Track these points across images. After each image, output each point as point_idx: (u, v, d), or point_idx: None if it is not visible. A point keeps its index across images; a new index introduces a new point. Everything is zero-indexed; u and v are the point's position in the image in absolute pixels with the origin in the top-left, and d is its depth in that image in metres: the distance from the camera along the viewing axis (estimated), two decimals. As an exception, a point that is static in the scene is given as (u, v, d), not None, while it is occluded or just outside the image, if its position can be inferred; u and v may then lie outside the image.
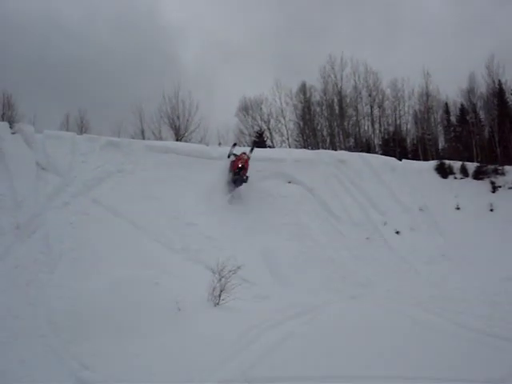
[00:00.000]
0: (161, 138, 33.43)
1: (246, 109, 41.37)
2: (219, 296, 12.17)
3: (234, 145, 22.13)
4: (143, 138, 32.34)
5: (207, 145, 24.22)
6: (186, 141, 31.64)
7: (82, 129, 35.10)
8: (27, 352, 8.70)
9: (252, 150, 20.68)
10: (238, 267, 13.17)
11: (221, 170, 19.86)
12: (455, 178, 25.66)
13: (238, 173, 19.12)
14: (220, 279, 12.36)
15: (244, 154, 19.97)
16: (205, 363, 8.08)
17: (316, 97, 41.30)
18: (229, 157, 20.33)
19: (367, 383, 6.73)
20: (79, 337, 9.51)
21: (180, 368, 7.97)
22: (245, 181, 19.15)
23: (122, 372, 7.94)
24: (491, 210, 23.13)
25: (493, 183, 25.44)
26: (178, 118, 35.88)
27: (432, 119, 39.60)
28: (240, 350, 8.81)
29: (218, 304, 12.10)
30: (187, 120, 35.89)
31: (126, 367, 8.20)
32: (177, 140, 32.05)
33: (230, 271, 12.72)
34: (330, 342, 8.93)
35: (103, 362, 8.45)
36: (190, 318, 10.87)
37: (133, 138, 25.53)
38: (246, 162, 19.42)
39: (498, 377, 6.76)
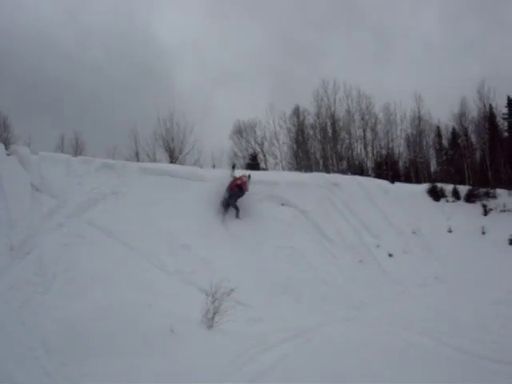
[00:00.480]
0: (155, 160, 33.46)
1: (240, 132, 41.64)
2: (213, 318, 12.14)
3: (234, 166, 22.21)
4: (138, 160, 32.37)
5: (201, 167, 24.37)
6: (180, 163, 31.69)
7: (77, 151, 35.16)
8: (20, 374, 8.66)
9: (249, 178, 20.73)
10: (232, 289, 13.18)
11: (214, 191, 19.93)
12: (447, 200, 25.89)
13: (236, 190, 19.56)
14: (213, 301, 12.35)
15: (244, 176, 20.30)
16: (199, 385, 8.07)
17: (309, 120, 41.67)
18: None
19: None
20: (72, 358, 9.48)
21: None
22: (240, 195, 19.52)
23: (115, 394, 7.93)
24: (483, 233, 23.30)
25: (484, 206, 25.67)
26: (173, 140, 35.98)
27: (424, 143, 39.94)
28: (233, 372, 8.82)
29: (211, 326, 12.06)
30: (182, 142, 36.00)
31: (119, 390, 8.18)
32: (171, 162, 32.08)
33: (224, 293, 12.72)
34: (324, 365, 8.96)
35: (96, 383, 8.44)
36: (183, 340, 10.84)
37: (127, 160, 25.63)
38: (245, 183, 19.79)
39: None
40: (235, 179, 19.99)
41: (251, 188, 20.53)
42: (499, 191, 27.36)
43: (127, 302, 11.83)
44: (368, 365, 8.87)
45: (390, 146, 40.98)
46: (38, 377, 8.71)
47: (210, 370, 8.83)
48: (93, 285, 12.82)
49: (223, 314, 12.27)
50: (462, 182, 29.95)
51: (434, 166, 41.18)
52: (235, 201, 19.50)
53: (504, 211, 25.48)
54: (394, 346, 10.54)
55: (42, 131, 39.22)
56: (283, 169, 38.44)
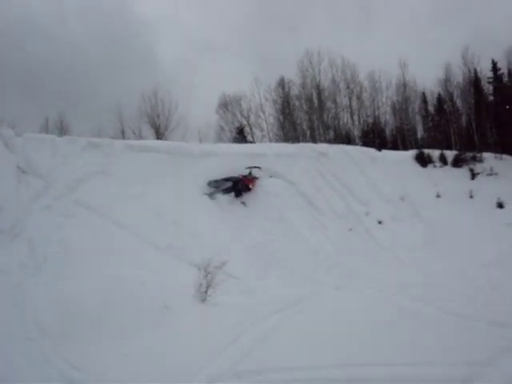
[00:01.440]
0: (141, 138, 33.35)
1: (226, 105, 41.42)
2: (206, 292, 12.23)
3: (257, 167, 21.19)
4: (123, 138, 32.23)
5: (187, 142, 24.19)
6: (166, 139, 31.59)
7: (62, 131, 34.92)
8: (16, 355, 8.68)
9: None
10: (223, 263, 13.24)
11: (203, 167, 19.89)
12: (434, 166, 26.01)
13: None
14: (206, 275, 12.42)
15: (257, 179, 20.44)
16: (194, 359, 8.12)
17: (295, 91, 41.50)
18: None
19: (354, 371, 6.82)
20: (67, 338, 9.52)
21: (169, 365, 8.01)
22: (244, 190, 19.90)
23: (111, 371, 7.97)
24: (471, 197, 23.47)
25: (472, 170, 25.84)
26: (158, 116, 35.80)
27: (410, 109, 39.98)
28: (228, 344, 8.87)
29: (204, 300, 12.16)
30: (167, 118, 35.86)
31: (115, 366, 8.22)
32: (157, 139, 31.96)
33: (216, 267, 12.79)
34: (317, 333, 9.03)
35: (92, 362, 8.48)
36: (177, 315, 10.91)
37: (113, 139, 25.39)
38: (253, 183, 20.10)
39: (482, 359, 6.90)
40: (250, 179, 20.08)
41: (239, 161, 20.58)
42: (486, 155, 27.54)
43: (120, 280, 11.84)
44: (359, 330, 8.95)
45: (376, 114, 40.99)
46: (34, 358, 8.74)
47: (205, 344, 8.89)
48: (84, 264, 12.81)
49: (216, 288, 12.35)
50: (449, 148, 30.06)
51: (420, 133, 41.34)
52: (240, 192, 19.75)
53: (491, 175, 25.68)
54: (384, 312, 10.64)
55: (25, 113, 38.81)
56: (270, 141, 38.40)
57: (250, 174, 20.26)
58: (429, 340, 8.21)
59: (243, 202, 19.51)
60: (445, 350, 7.52)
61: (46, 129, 34.78)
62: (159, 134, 34.83)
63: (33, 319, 10.29)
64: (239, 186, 19.66)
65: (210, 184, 19.71)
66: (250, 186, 19.77)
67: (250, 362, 7.79)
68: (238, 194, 19.66)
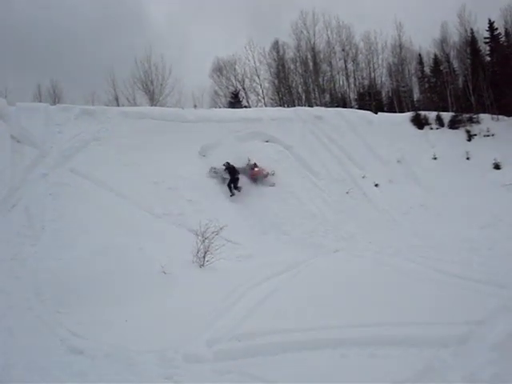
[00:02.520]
0: (135, 104, 32.90)
1: (220, 70, 40.87)
2: (204, 257, 12.29)
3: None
4: (118, 105, 31.90)
5: (182, 108, 23.98)
6: (161, 105, 31.17)
7: (55, 99, 34.42)
8: (17, 325, 8.72)
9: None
10: (221, 228, 13.28)
11: (198, 132, 19.77)
12: (431, 128, 25.91)
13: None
14: (203, 241, 12.46)
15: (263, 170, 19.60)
16: (193, 324, 8.19)
17: (289, 54, 40.88)
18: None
19: (353, 332, 6.89)
20: (68, 306, 9.57)
21: (169, 330, 8.07)
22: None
23: (112, 337, 8.02)
24: (468, 159, 23.45)
25: (468, 132, 25.76)
26: (152, 82, 35.33)
27: (406, 71, 39.52)
28: (227, 308, 8.94)
29: (203, 265, 12.22)
30: (161, 84, 35.37)
31: (115, 332, 8.28)
32: (152, 105, 31.57)
33: (213, 232, 12.82)
34: (315, 295, 9.08)
35: (93, 328, 8.52)
36: (176, 280, 10.96)
37: (107, 106, 25.17)
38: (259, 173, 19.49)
39: (479, 318, 6.96)
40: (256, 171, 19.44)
41: (234, 126, 20.52)
42: (482, 116, 27.41)
43: (117, 247, 11.87)
44: (357, 293, 9.01)
45: (372, 76, 40.53)
46: (35, 326, 8.79)
47: (204, 308, 8.94)
48: (81, 232, 12.81)
49: (214, 253, 12.40)
50: (446, 109, 29.85)
51: (416, 95, 40.95)
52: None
53: (488, 136, 25.62)
54: (382, 273, 10.71)
55: (17, 81, 38.29)
56: (265, 105, 38.03)
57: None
58: (425, 300, 8.28)
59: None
60: (441, 309, 7.59)
61: (38, 97, 34.43)
62: (153, 100, 34.45)
63: (32, 288, 10.33)
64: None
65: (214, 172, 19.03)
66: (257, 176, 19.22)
67: (249, 324, 7.85)
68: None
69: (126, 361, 6.96)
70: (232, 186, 18.24)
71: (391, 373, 5.52)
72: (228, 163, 18.53)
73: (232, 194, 18.12)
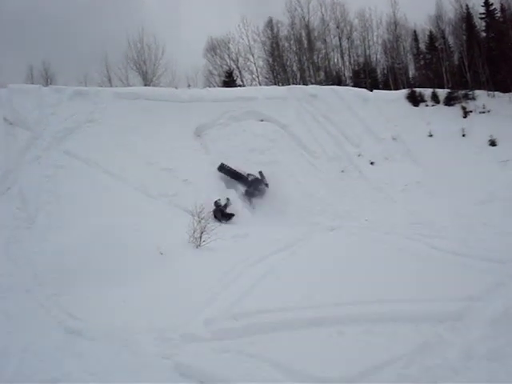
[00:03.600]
0: (129, 85, 32.65)
1: (214, 49, 40.54)
2: (200, 237, 12.28)
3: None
4: (111, 86, 31.70)
5: (176, 88, 23.85)
6: (154, 85, 31.01)
7: (48, 80, 34.22)
8: (14, 307, 8.75)
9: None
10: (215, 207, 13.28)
11: (192, 112, 19.67)
12: (427, 105, 25.82)
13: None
14: (199, 221, 12.44)
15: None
16: (191, 304, 8.20)
17: (283, 32, 40.54)
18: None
19: (349, 309, 6.91)
20: (65, 288, 9.58)
21: (166, 310, 8.09)
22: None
23: (110, 318, 8.04)
24: (463, 136, 23.38)
25: (464, 108, 25.65)
26: (145, 62, 35.10)
27: (401, 48, 39.31)
28: (224, 287, 8.96)
29: (199, 245, 12.22)
30: (154, 64, 35.16)
31: (113, 313, 8.30)
32: (145, 85, 31.37)
33: (209, 212, 12.82)
34: (312, 274, 9.11)
35: (90, 310, 8.55)
36: (172, 261, 10.97)
37: (100, 87, 25.00)
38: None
39: (475, 294, 6.99)
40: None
41: (229, 106, 20.44)
42: (478, 92, 27.29)
43: (113, 229, 11.86)
44: (353, 270, 9.01)
45: (367, 53, 40.31)
46: (33, 309, 8.83)
47: (202, 288, 8.95)
48: (77, 214, 12.81)
49: (210, 233, 12.39)
50: (441, 86, 29.69)
51: (412, 72, 40.78)
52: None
53: (483, 112, 25.52)
54: (378, 251, 10.71)
55: (8, 62, 37.81)
56: (260, 84, 37.81)
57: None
58: (422, 277, 8.31)
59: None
60: (438, 286, 7.61)
61: (30, 79, 34.20)
62: (147, 81, 34.25)
63: (29, 271, 10.36)
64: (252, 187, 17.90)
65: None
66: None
67: (246, 303, 7.87)
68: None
69: (123, 341, 6.99)
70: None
71: (388, 348, 5.55)
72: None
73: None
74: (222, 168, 17.80)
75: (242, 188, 17.64)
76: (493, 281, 7.63)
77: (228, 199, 16.53)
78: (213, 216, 14.82)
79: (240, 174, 17.78)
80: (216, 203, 15.68)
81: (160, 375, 5.80)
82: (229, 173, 17.85)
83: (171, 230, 12.67)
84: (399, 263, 9.42)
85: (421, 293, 7.27)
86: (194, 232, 12.26)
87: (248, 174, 17.86)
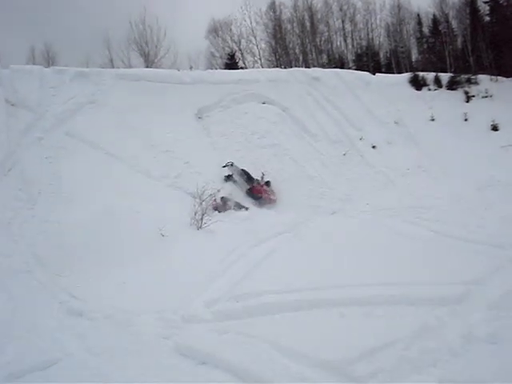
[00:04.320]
0: (130, 66, 32.48)
1: (216, 31, 40.29)
2: (201, 219, 12.30)
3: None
4: (112, 67, 31.49)
5: (178, 70, 23.71)
6: (156, 67, 30.86)
7: (49, 61, 34.05)
8: (15, 288, 8.81)
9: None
10: (218, 190, 13.29)
11: (194, 94, 19.59)
12: (429, 89, 25.71)
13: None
14: (201, 203, 12.46)
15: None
16: (192, 285, 8.24)
17: (286, 14, 40.23)
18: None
19: (350, 292, 6.93)
20: (66, 269, 9.65)
21: (167, 291, 8.13)
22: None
23: (111, 299, 8.09)
24: (465, 120, 23.31)
25: (466, 93, 25.57)
26: (147, 44, 34.87)
27: (404, 31, 39.07)
28: (225, 269, 9.01)
29: (200, 227, 12.24)
30: (156, 46, 34.92)
31: (114, 294, 8.35)
32: (147, 67, 31.20)
33: (211, 195, 12.83)
34: (313, 256, 9.14)
35: (92, 291, 8.61)
36: (173, 242, 11.00)
37: (102, 68, 24.85)
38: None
39: (476, 278, 7.01)
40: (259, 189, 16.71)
41: (231, 88, 20.36)
42: (481, 77, 27.16)
43: (115, 210, 11.88)
44: (354, 253, 9.04)
45: (370, 36, 40.05)
46: (35, 289, 8.90)
47: (203, 269, 9.00)
48: (79, 196, 12.80)
49: (211, 215, 12.41)
50: (444, 70, 29.55)
51: (415, 55, 40.58)
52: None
53: (486, 97, 25.43)
54: (379, 234, 10.75)
55: (9, 43, 37.54)
56: (262, 66, 37.62)
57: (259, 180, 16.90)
58: (423, 261, 8.33)
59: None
60: (439, 270, 7.63)
61: (32, 59, 34.05)
62: (149, 62, 34.05)
63: (30, 252, 10.41)
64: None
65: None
66: (261, 195, 16.47)
67: (247, 285, 7.92)
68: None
69: (124, 322, 7.04)
70: None
71: (389, 331, 5.57)
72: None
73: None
74: (232, 167, 16.97)
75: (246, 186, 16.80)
76: (493, 265, 7.64)
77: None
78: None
79: (252, 177, 16.84)
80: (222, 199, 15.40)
81: (160, 355, 5.83)
82: (239, 173, 17.02)
83: (172, 211, 12.67)
84: (400, 247, 9.43)
85: (421, 276, 7.29)
86: (195, 214, 12.29)
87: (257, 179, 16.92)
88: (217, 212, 14.12)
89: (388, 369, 4.76)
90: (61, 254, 10.15)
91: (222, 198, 15.12)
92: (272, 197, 16.44)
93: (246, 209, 15.21)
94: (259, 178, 16.74)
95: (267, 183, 16.71)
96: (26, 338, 6.56)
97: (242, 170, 16.84)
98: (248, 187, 16.49)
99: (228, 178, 16.52)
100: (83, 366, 5.69)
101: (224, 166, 16.67)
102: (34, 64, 28.93)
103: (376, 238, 10.43)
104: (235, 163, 16.96)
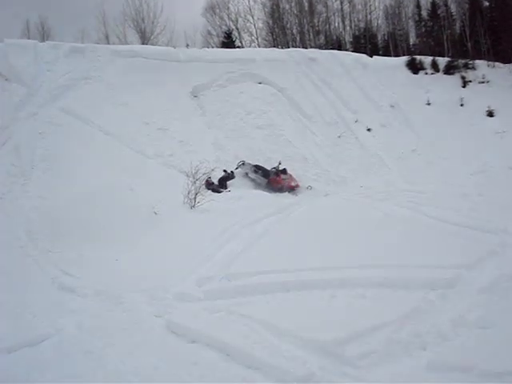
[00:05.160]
0: (126, 43, 32.18)
1: (213, 8, 39.83)
2: (194, 199, 12.29)
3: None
4: (108, 43, 31.21)
5: (174, 47, 23.53)
6: (152, 44, 30.61)
7: (44, 36, 33.61)
8: (8, 263, 8.81)
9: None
10: (212, 169, 13.28)
11: (190, 72, 19.45)
12: (426, 73, 25.58)
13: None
14: (194, 182, 12.44)
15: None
16: (184, 264, 8.26)
17: (284, -7, 39.84)
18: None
19: (342, 273, 6.95)
20: (58, 245, 9.64)
21: (160, 270, 8.14)
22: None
23: (103, 276, 8.12)
24: (461, 105, 23.23)
25: (463, 78, 25.44)
26: (143, 20, 34.52)
27: (403, 14, 38.73)
28: (217, 248, 9.01)
29: (193, 206, 12.24)
30: (152, 22, 34.57)
31: (106, 272, 8.38)
32: (143, 44, 30.96)
33: (205, 174, 12.80)
34: (305, 237, 9.15)
35: (84, 268, 8.62)
36: (166, 221, 11.01)
37: (97, 44, 24.62)
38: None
39: (468, 263, 7.04)
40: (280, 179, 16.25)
41: (227, 67, 20.23)
42: (478, 62, 27.03)
43: (108, 188, 11.85)
44: (347, 235, 9.04)
45: (368, 18, 39.65)
46: (27, 264, 8.91)
47: (195, 248, 9.01)
48: (72, 172, 12.75)
49: (205, 194, 12.40)
50: (442, 54, 29.36)
51: (413, 39, 40.24)
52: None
53: (483, 82, 25.31)
54: (372, 217, 10.74)
55: (3, 16, 37.10)
56: (259, 46, 37.32)
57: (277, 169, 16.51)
58: (416, 244, 8.35)
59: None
60: (431, 254, 7.65)
61: (27, 33, 33.62)
62: (145, 39, 33.76)
63: (23, 228, 10.38)
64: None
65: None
66: (281, 185, 15.99)
67: (239, 265, 7.93)
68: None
69: (116, 299, 7.05)
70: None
71: (379, 313, 5.60)
72: (225, 171, 15.99)
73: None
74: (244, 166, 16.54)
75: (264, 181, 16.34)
76: (485, 250, 7.67)
77: (232, 172, 16.08)
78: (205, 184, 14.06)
79: (267, 170, 16.46)
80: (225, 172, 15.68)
81: (151, 333, 5.84)
82: (253, 169, 16.50)
83: (166, 190, 12.66)
84: (393, 230, 9.45)
85: (414, 260, 7.30)
86: (188, 193, 12.27)
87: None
88: (210, 192, 14.09)
89: (378, 351, 4.79)
90: (53, 230, 10.14)
91: (224, 170, 15.47)
92: (293, 183, 16.19)
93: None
94: (274, 169, 16.42)
95: (283, 171, 16.37)
96: (18, 314, 6.57)
97: (255, 165, 16.52)
98: (266, 181, 16.20)
99: (246, 176, 16.38)
100: (74, 342, 5.69)
101: (236, 168, 16.32)
102: (28, 38, 28.63)
103: (369, 220, 10.43)
104: (246, 160, 16.60)
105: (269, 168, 16.49)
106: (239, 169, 16.39)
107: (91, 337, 5.79)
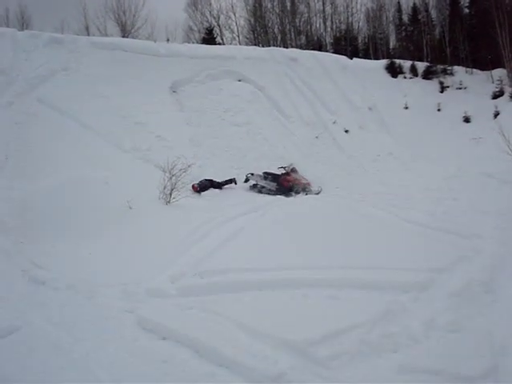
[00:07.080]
0: (106, 35, 31.93)
1: (195, 4, 39.71)
2: (170, 194, 12.21)
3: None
4: (88, 35, 30.89)
5: (155, 41, 23.39)
6: (132, 37, 30.43)
7: (23, 25, 33.16)
8: (-23, 252, 8.65)
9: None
10: (189, 165, 13.19)
11: (170, 67, 19.34)
12: (405, 77, 25.91)
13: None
14: (171, 178, 12.35)
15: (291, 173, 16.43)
16: (157, 259, 8.21)
17: (267, -8, 39.85)
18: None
19: (315, 273, 6.95)
20: (30, 237, 9.50)
21: (132, 265, 8.10)
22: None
23: (74, 270, 8.02)
24: (439, 110, 23.57)
25: (441, 83, 25.81)
26: (124, 13, 34.30)
27: (384, 18, 39.05)
28: (191, 245, 8.95)
29: (169, 202, 12.16)
30: (134, 15, 34.41)
31: (78, 265, 8.29)
32: (123, 37, 30.72)
33: (181, 170, 12.72)
34: (280, 236, 9.12)
35: (55, 261, 8.51)
36: (141, 216, 10.91)
37: (77, 35, 24.32)
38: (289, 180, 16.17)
39: (440, 266, 7.09)
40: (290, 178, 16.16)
41: (207, 63, 20.16)
42: (457, 68, 27.43)
43: (83, 181, 11.73)
44: (321, 235, 9.02)
45: (350, 20, 39.90)
46: (-3, 255, 8.72)
47: (169, 244, 8.95)
48: (47, 164, 12.58)
49: (180, 191, 12.33)
50: (421, 59, 29.72)
51: (393, 43, 40.61)
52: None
53: (460, 88, 25.71)
54: (347, 218, 10.73)
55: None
56: (240, 43, 37.36)
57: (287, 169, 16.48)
58: (389, 246, 8.36)
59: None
60: (404, 256, 7.68)
61: (6, 22, 33.14)
62: (125, 32, 33.57)
63: (-6, 218, 10.17)
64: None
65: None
66: (291, 184, 15.92)
67: (212, 262, 7.88)
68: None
69: (87, 293, 6.98)
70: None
71: (351, 314, 5.62)
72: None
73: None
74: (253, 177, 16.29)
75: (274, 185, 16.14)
76: (457, 254, 7.73)
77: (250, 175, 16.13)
78: None
79: (276, 174, 16.32)
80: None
81: (122, 329, 5.79)
82: (262, 177, 16.30)
83: (142, 185, 12.55)
84: (367, 232, 9.46)
85: (387, 262, 7.33)
86: (164, 188, 12.18)
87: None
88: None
89: (350, 351, 4.81)
90: (25, 222, 9.99)
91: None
92: (303, 181, 16.15)
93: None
94: (283, 170, 16.32)
95: (293, 170, 16.41)
96: (-14, 305, 6.46)
97: (264, 172, 16.33)
98: (276, 184, 16.06)
99: (253, 187, 16.16)
100: (42, 335, 5.61)
101: (245, 181, 16.11)
102: (7, 26, 28.19)
103: (344, 221, 10.44)
104: (254, 172, 16.29)
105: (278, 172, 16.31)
106: (250, 180, 16.16)
107: (60, 331, 5.71)
